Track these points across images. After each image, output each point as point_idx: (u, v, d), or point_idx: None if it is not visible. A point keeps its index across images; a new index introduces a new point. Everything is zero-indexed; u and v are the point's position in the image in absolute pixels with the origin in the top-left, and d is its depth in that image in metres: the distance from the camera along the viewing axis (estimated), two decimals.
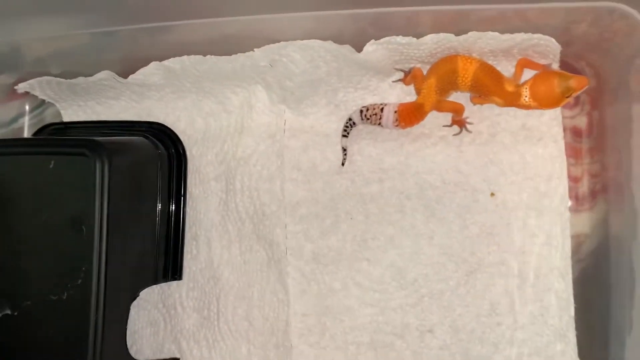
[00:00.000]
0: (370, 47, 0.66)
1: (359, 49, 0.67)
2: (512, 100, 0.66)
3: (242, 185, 0.76)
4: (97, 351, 0.67)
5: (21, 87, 0.78)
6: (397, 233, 0.72)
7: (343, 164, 0.74)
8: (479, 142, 0.71)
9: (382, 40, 0.65)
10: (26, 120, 0.84)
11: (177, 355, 0.78)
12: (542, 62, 0.66)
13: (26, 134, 0.84)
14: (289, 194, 0.75)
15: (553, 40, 0.62)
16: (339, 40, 0.67)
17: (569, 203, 0.68)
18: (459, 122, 0.71)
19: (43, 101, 0.83)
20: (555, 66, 0.66)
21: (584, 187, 0.70)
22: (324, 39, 0.67)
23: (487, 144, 0.71)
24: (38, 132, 0.84)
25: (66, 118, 0.84)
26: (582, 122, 0.70)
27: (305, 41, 0.67)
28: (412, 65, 0.71)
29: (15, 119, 0.85)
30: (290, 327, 0.74)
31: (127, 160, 0.74)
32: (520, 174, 0.70)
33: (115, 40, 0.72)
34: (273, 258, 0.75)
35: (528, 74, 0.66)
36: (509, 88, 0.65)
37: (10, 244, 0.72)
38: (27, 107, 0.83)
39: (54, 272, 0.70)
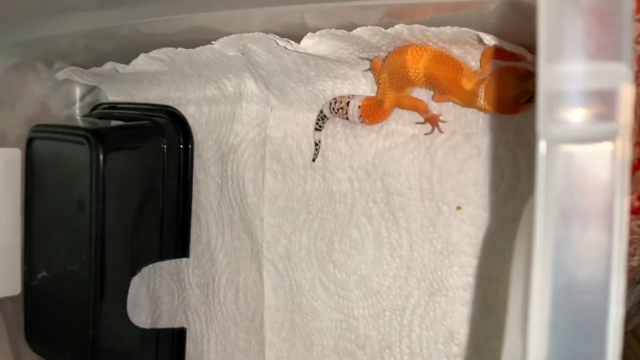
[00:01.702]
0: (309, 39, 0.59)
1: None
2: (468, 100, 0.54)
3: (231, 173, 0.76)
4: (96, 317, 0.77)
5: (59, 75, 0.87)
6: (362, 238, 0.66)
7: (314, 160, 0.69)
8: (450, 145, 0.60)
9: (317, 32, 0.58)
10: (78, 102, 0.94)
11: (186, 326, 0.84)
12: (515, 51, 0.52)
13: (79, 113, 0.94)
14: (268, 185, 0.73)
15: (480, 33, 0.48)
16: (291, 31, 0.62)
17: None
18: (432, 120, 0.61)
19: None
20: (531, 57, 0.52)
21: None
22: (276, 32, 0.62)
23: (459, 147, 0.59)
24: (92, 111, 0.94)
25: (111, 98, 0.92)
26: None
27: (250, 34, 0.63)
28: (375, 54, 0.62)
29: (79, 99, 0.96)
30: (264, 318, 0.74)
31: (129, 148, 0.79)
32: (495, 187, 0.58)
33: (118, 35, 0.76)
34: (254, 249, 0.75)
35: None
36: (467, 86, 0.54)
37: (43, 216, 0.84)
38: (77, 91, 0.93)
39: (68, 246, 0.80)
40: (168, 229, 0.82)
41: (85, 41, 0.80)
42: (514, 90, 0.49)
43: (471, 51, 0.56)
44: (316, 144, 0.68)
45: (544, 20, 0.24)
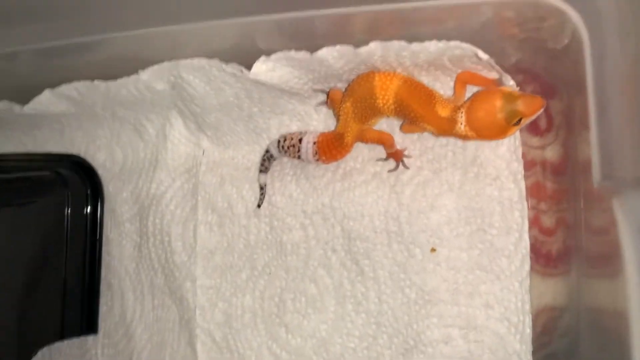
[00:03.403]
0: (262, 64, 0.52)
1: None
2: (445, 128, 0.49)
3: (154, 229, 0.65)
4: None
5: None
6: (320, 294, 0.58)
7: (259, 206, 0.60)
8: (418, 181, 0.55)
9: (273, 56, 0.51)
10: None
11: None
12: (490, 75, 0.49)
13: None
14: (202, 240, 0.63)
15: (473, 47, 0.44)
16: (238, 55, 0.54)
17: (529, 267, 0.50)
18: (395, 155, 0.55)
19: None
20: (511, 83, 0.49)
21: (558, 242, 0.51)
22: (219, 53, 0.55)
23: (429, 184, 0.54)
24: None
25: None
26: (555, 153, 0.51)
27: (189, 60, 0.55)
28: (331, 85, 0.56)
29: None
30: None
31: (22, 204, 0.66)
32: (470, 225, 0.53)
33: (17, 64, 0.64)
34: (184, 317, 0.63)
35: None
36: (443, 112, 0.49)
37: None
38: None
39: None
40: (71, 301, 0.68)
41: None
42: (501, 112, 0.45)
43: (441, 78, 0.52)
44: (261, 188, 0.60)
45: None
